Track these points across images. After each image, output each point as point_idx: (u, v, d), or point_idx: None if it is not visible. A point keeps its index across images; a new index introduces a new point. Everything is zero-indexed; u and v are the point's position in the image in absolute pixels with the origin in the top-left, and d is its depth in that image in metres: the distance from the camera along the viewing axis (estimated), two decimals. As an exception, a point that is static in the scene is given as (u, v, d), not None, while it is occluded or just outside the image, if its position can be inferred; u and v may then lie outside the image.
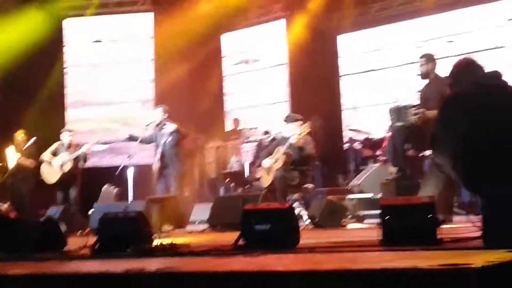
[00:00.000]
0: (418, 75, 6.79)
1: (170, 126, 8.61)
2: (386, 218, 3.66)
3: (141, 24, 13.35)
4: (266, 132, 11.16)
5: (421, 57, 6.81)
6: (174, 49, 12.75)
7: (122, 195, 10.26)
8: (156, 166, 8.57)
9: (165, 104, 8.89)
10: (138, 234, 4.46)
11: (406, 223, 3.56)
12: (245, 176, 10.35)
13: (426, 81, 6.76)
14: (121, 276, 2.99)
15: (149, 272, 2.95)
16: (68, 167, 9.29)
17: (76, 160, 9.38)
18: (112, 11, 13.41)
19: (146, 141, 8.90)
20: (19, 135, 10.12)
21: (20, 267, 3.78)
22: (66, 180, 9.41)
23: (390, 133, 8.42)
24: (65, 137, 9.58)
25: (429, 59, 6.76)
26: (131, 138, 8.99)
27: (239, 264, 3.10)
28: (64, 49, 13.27)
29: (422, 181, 6.19)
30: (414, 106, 6.54)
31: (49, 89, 12.75)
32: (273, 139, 8.95)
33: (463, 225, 4.60)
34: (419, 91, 6.81)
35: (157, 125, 8.71)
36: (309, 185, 7.77)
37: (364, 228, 6.64)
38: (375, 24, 12.47)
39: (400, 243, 3.41)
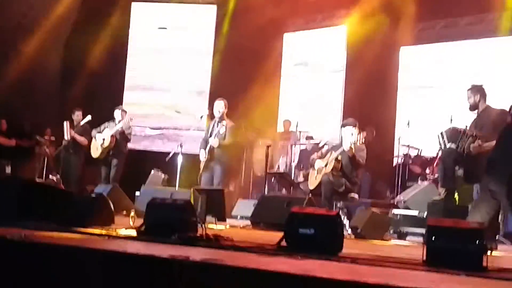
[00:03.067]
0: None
1: (229, 123, 8.49)
2: (433, 238, 3.63)
3: (204, 16, 13.53)
4: (310, 137, 11.18)
5: (468, 89, 6.70)
6: (234, 43, 12.86)
7: (169, 181, 10.42)
8: (203, 157, 8.46)
9: (223, 98, 8.80)
10: (184, 222, 4.56)
11: (453, 246, 3.53)
12: (291, 177, 10.37)
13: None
14: (166, 261, 3.07)
15: (194, 261, 3.02)
16: (107, 142, 9.43)
17: (116, 136, 9.45)
18: (179, 0, 13.60)
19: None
20: (76, 112, 10.39)
21: (69, 240, 3.92)
22: (109, 156, 9.57)
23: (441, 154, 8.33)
24: (116, 115, 9.71)
25: (477, 90, 6.65)
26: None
27: (282, 265, 3.14)
28: (130, 31, 13.54)
29: (472, 206, 6.10)
30: (471, 135, 6.44)
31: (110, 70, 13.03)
32: (326, 143, 8.95)
33: (509, 255, 4.53)
34: (471, 123, 6.72)
35: (214, 117, 8.60)
36: (355, 195, 7.73)
37: (407, 245, 6.57)
38: (439, 39, 12.29)
39: (444, 265, 3.39)
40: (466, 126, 6.86)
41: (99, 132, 9.58)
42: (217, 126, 8.45)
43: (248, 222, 7.87)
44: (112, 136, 9.42)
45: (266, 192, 9.64)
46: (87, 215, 4.91)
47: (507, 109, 5.01)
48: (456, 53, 12.10)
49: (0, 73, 11.17)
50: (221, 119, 8.50)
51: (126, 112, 9.83)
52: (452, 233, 3.61)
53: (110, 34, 12.96)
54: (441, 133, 6.83)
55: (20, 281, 3.44)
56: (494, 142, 5.42)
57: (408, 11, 12.19)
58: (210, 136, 8.47)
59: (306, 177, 9.33)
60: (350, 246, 4.42)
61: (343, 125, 7.89)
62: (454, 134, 6.61)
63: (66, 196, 5.43)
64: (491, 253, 4.01)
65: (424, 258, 3.59)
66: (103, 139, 9.44)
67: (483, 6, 11.34)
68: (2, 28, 11.38)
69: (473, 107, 6.64)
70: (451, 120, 9.31)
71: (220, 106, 8.55)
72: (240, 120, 9.59)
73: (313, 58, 13.51)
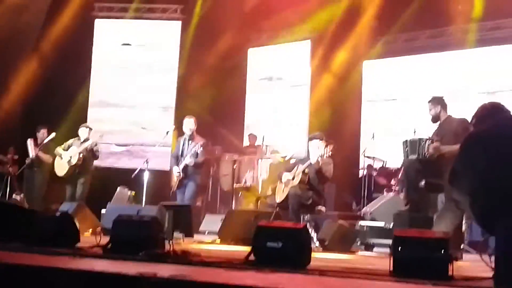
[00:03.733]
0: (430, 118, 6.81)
1: (199, 140, 8.57)
2: (399, 248, 3.68)
3: (169, 32, 13.52)
4: (275, 152, 11.22)
5: (429, 101, 6.81)
6: (199, 58, 12.88)
7: (135, 198, 10.33)
8: (177, 175, 8.49)
9: (193, 115, 8.82)
10: (151, 238, 4.54)
11: (419, 256, 3.59)
12: (258, 191, 10.38)
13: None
14: (133, 279, 3.04)
15: (162, 278, 3.00)
16: (75, 159, 9.27)
17: (83, 153, 9.32)
18: (143, 16, 13.60)
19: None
20: (40, 130, 10.24)
21: (34, 259, 3.85)
22: (75, 174, 9.40)
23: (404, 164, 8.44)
24: (81, 133, 9.57)
25: (437, 102, 6.76)
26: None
27: (251, 279, 3.14)
28: (93, 48, 13.45)
29: (437, 216, 6.20)
30: (429, 139, 6.55)
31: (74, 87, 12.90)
32: (292, 156, 9.01)
33: (474, 263, 4.61)
34: (432, 133, 6.82)
35: (184, 133, 8.66)
36: (322, 207, 7.77)
37: (374, 256, 6.63)
38: (401, 53, 12.52)
39: (411, 275, 3.43)
40: (429, 137, 6.96)
41: (65, 149, 9.43)
42: (189, 144, 8.52)
43: (216, 237, 7.84)
44: (79, 153, 9.30)
45: (233, 207, 9.63)
46: (51, 234, 4.82)
47: (468, 119, 5.12)
48: (418, 66, 12.34)
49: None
50: (192, 136, 8.57)
51: (91, 129, 9.72)
52: (418, 243, 3.66)
53: (73, 50, 12.84)
54: (405, 141, 6.91)
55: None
56: (453, 147, 5.53)
57: (371, 25, 12.41)
58: (182, 153, 8.52)
59: (273, 191, 9.37)
60: (318, 259, 4.45)
61: (310, 139, 7.96)
62: (415, 144, 6.70)
63: (30, 215, 5.34)
64: (456, 262, 4.08)
65: (391, 268, 3.63)
66: (70, 157, 9.28)
67: (443, 20, 11.63)
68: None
69: (434, 119, 6.74)
70: (415, 131, 9.47)
71: (190, 123, 8.63)
72: (206, 136, 9.59)
73: (278, 73, 13.60)
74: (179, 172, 8.45)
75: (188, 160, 8.40)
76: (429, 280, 3.24)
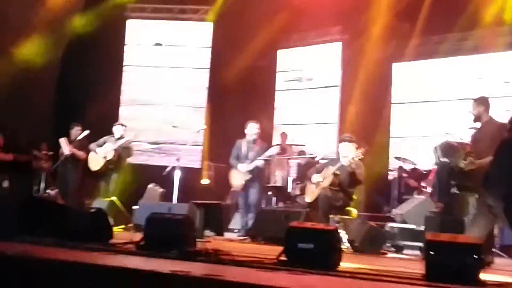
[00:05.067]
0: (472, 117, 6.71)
1: (261, 143, 8.98)
2: (432, 253, 3.66)
3: (200, 32, 13.61)
4: (302, 152, 11.24)
5: (474, 100, 6.71)
6: (230, 59, 12.94)
7: (166, 196, 10.42)
8: (242, 178, 8.74)
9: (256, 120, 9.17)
10: (184, 236, 4.59)
11: (451, 261, 3.56)
12: (288, 191, 10.39)
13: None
14: (167, 276, 3.08)
15: (195, 277, 3.03)
16: (110, 155, 9.48)
17: (118, 150, 9.54)
18: (174, 17, 13.71)
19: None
20: (74, 127, 10.41)
21: (68, 255, 3.92)
22: (109, 170, 9.59)
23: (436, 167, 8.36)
24: (116, 131, 9.80)
25: (481, 102, 6.66)
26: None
27: (282, 280, 3.16)
28: (125, 48, 13.61)
29: (469, 220, 6.13)
30: (464, 150, 6.46)
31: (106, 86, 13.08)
32: (323, 157, 9.02)
33: (505, 269, 4.56)
34: (471, 130, 6.72)
35: (247, 138, 8.99)
36: (352, 209, 7.76)
37: (404, 258, 6.59)
38: (432, 56, 12.38)
39: (443, 280, 3.42)
40: (461, 139, 6.88)
41: (99, 146, 9.63)
42: (253, 147, 8.86)
43: (246, 236, 7.88)
44: (115, 150, 9.49)
45: (263, 206, 9.66)
46: (86, 230, 4.91)
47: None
48: (449, 69, 12.19)
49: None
50: (255, 141, 8.89)
51: (126, 127, 9.91)
52: (451, 248, 3.64)
53: (106, 50, 13.02)
54: (435, 147, 6.87)
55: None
56: (487, 159, 5.45)
57: (401, 27, 12.32)
58: (247, 157, 8.82)
59: (302, 191, 9.37)
60: (348, 260, 4.45)
61: (341, 140, 7.94)
62: (447, 149, 6.63)
63: (66, 211, 5.44)
64: (488, 266, 4.05)
65: (424, 272, 3.62)
66: (105, 152, 9.50)
67: (473, 23, 11.46)
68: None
69: (476, 119, 6.62)
70: (446, 133, 9.39)
71: (255, 128, 8.95)
72: (236, 135, 9.68)
73: (308, 74, 13.58)
74: (247, 173, 8.71)
75: (259, 162, 8.70)
76: (462, 285, 3.22)
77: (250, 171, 8.67)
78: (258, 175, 8.83)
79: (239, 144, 9.05)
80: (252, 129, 8.98)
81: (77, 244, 4.53)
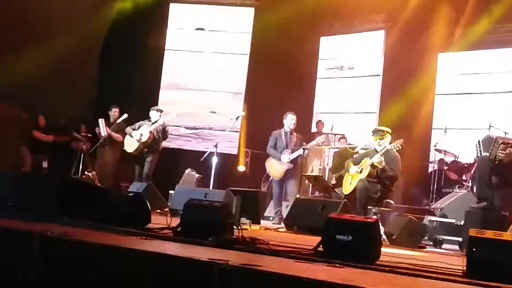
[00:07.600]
0: None
1: (300, 135, 9.36)
2: (474, 250, 3.57)
3: (242, 18, 13.52)
4: (343, 136, 11.21)
5: None
6: (271, 45, 12.85)
7: (202, 181, 10.46)
8: (284, 168, 9.02)
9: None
10: (221, 224, 4.56)
11: (494, 259, 3.47)
12: (325, 180, 10.31)
13: None
14: (206, 264, 3.06)
15: (234, 266, 3.00)
16: (145, 137, 9.61)
17: (153, 132, 9.66)
18: (217, 2, 13.66)
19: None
20: (112, 109, 10.54)
21: (106, 238, 3.95)
22: (144, 152, 9.72)
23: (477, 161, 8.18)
24: (152, 115, 9.89)
25: None
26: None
27: (321, 272, 3.11)
28: (167, 32, 13.64)
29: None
30: (503, 142, 6.33)
31: (146, 69, 13.14)
32: (363, 148, 8.98)
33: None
34: None
35: (284, 128, 9.32)
36: (390, 201, 7.66)
37: (444, 253, 6.47)
38: (477, 47, 12.08)
39: (486, 277, 3.33)
40: (506, 133, 6.70)
41: (135, 129, 9.73)
42: (291, 139, 9.28)
43: (281, 224, 7.85)
44: (150, 132, 9.57)
45: (299, 195, 9.62)
46: (125, 213, 4.94)
47: None
48: (494, 61, 11.89)
49: (37, 65, 11.25)
50: (292, 131, 9.29)
51: (162, 111, 10.03)
52: (494, 245, 3.54)
53: (148, 33, 13.08)
54: (479, 141, 6.74)
55: (58, 278, 3.48)
56: None
57: (447, 16, 12.05)
58: (286, 147, 9.21)
59: (338, 180, 9.30)
60: (386, 254, 4.37)
61: (372, 134, 7.89)
62: (487, 142, 6.52)
63: (104, 194, 5.47)
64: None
65: (464, 269, 3.53)
66: (141, 135, 9.62)
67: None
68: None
69: None
70: (490, 126, 9.17)
71: (293, 119, 9.30)
72: (274, 123, 9.67)
73: (350, 62, 13.43)
74: (289, 163, 9.02)
75: (302, 151, 9.00)
76: (504, 284, 3.13)
77: (292, 161, 8.84)
78: (298, 165, 8.95)
79: (277, 134, 9.26)
80: (290, 120, 9.22)
81: (116, 227, 4.56)
